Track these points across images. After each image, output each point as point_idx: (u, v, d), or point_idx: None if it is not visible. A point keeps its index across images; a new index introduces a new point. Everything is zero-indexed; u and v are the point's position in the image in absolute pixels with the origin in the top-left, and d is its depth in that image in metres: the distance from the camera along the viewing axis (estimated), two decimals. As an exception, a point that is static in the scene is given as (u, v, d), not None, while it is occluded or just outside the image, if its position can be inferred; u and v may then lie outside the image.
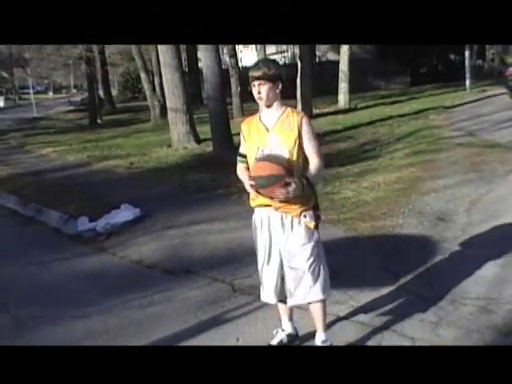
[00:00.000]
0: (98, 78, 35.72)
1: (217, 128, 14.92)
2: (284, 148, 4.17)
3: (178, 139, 16.53)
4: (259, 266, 4.56)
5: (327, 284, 4.38)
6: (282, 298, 4.54)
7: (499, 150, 11.67)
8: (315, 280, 4.30)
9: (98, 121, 30.85)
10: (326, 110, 23.55)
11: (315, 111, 22.76)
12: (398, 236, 6.65)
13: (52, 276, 6.91)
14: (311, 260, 4.28)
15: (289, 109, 4.32)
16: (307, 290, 4.31)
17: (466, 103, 21.55)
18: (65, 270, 7.11)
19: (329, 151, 13.51)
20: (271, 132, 4.25)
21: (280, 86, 4.26)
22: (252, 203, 4.48)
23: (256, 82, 4.20)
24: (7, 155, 19.23)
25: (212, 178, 11.54)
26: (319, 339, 4.51)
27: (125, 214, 8.74)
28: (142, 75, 28.21)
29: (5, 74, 58.16)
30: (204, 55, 14.99)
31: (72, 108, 42.86)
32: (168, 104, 16.92)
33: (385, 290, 5.41)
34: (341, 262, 5.31)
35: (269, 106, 4.28)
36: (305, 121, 4.21)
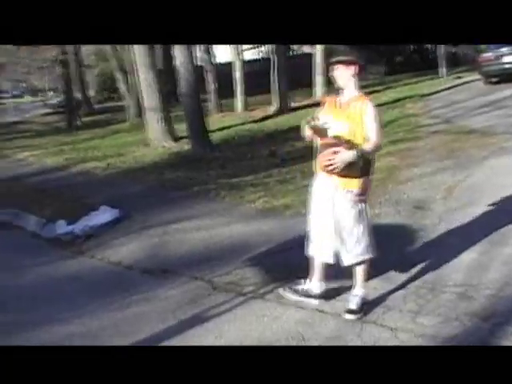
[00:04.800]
0: (74, 80, 35.39)
1: (193, 125, 14.90)
2: (347, 125, 4.78)
3: (155, 138, 16.44)
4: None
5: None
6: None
7: (475, 135, 11.73)
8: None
9: (77, 123, 30.59)
10: (303, 103, 23.54)
11: (292, 104, 22.75)
12: (376, 226, 6.66)
13: (31, 280, 6.85)
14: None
15: (359, 94, 4.91)
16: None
17: (441, 91, 21.62)
18: (44, 273, 7.05)
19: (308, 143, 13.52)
20: (340, 111, 4.86)
21: (355, 70, 4.84)
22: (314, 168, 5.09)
23: (334, 66, 4.86)
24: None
25: (189, 176, 11.50)
26: None
27: (104, 215, 8.69)
28: (118, 75, 28.05)
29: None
30: (177, 53, 14.92)
31: (49, 111, 42.46)
32: (144, 103, 16.85)
33: (364, 281, 5.40)
34: (319, 255, 5.30)
35: (343, 88, 4.91)
36: (369, 106, 4.81)
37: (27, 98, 64.34)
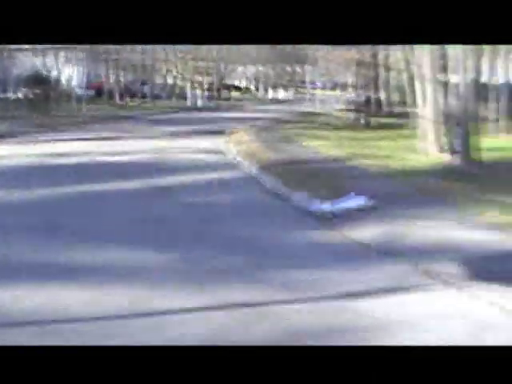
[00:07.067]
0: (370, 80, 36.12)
1: (465, 142, 15.71)
2: None
3: (429, 147, 17.58)
4: None
5: None
6: None
7: None
8: None
9: (367, 122, 31.47)
10: None
11: None
12: None
13: (290, 240, 8.74)
14: None
15: None
16: None
17: None
18: (299, 238, 8.90)
19: None
20: None
21: None
22: None
23: None
24: (276, 143, 21.33)
25: (448, 186, 12.33)
26: None
27: (357, 200, 10.14)
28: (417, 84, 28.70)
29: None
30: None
31: (344, 107, 43.87)
32: (424, 113, 18.12)
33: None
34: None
35: None
36: None
37: (331, 91, 67.73)
